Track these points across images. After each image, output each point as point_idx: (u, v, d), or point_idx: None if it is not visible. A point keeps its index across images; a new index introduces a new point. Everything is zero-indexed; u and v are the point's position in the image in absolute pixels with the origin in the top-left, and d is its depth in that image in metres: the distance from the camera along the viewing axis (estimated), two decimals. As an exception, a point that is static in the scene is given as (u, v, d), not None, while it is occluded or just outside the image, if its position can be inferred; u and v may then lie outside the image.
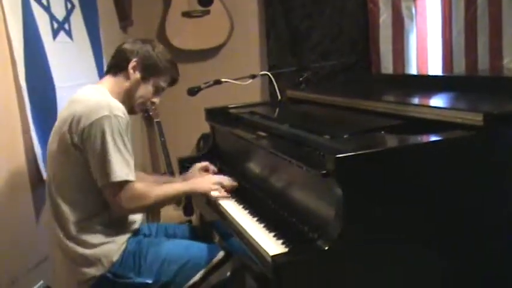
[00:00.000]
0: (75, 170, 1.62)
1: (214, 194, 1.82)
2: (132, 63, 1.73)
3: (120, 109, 1.62)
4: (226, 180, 1.85)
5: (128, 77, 1.74)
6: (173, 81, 1.84)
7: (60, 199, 1.64)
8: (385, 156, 1.31)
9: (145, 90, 1.76)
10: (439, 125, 1.45)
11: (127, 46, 1.77)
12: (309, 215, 1.48)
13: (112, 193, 1.59)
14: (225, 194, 1.82)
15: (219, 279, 1.73)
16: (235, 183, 1.85)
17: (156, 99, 1.82)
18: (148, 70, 1.75)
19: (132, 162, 1.61)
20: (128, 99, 1.73)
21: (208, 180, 1.84)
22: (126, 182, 1.58)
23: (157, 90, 1.80)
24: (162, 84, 1.79)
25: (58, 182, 1.65)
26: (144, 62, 1.74)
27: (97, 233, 1.64)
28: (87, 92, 1.72)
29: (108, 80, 1.77)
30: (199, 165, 2.06)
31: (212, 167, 2.08)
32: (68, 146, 1.60)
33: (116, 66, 1.76)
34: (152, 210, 1.78)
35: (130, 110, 1.77)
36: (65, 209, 1.63)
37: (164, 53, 1.79)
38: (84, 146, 1.59)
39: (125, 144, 1.59)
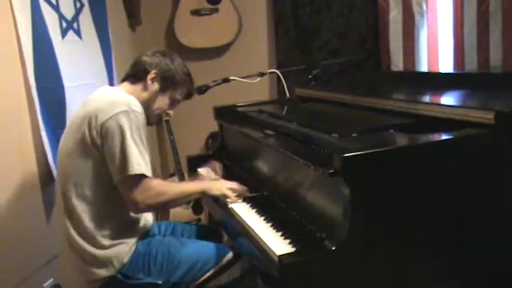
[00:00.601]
0: (93, 168, 1.61)
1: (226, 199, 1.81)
2: (151, 75, 1.74)
3: (137, 105, 1.63)
4: (239, 186, 1.83)
5: (145, 88, 1.75)
6: (188, 95, 1.86)
7: (75, 197, 1.63)
8: (393, 155, 1.29)
9: (162, 102, 1.78)
10: (450, 124, 1.43)
11: (146, 58, 1.78)
12: (317, 215, 1.47)
13: (128, 188, 1.58)
14: (236, 199, 1.79)
15: (229, 279, 1.73)
16: (246, 192, 1.81)
17: (171, 111, 1.84)
18: (166, 82, 1.76)
19: (148, 158, 1.62)
20: (144, 109, 1.72)
21: (222, 185, 1.82)
22: (142, 176, 1.57)
23: (173, 103, 1.82)
24: (178, 96, 1.81)
25: (74, 181, 1.63)
26: (163, 74, 1.75)
27: (110, 233, 1.63)
28: (104, 91, 1.74)
29: (126, 86, 1.77)
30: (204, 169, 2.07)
31: (218, 165, 2.11)
32: (87, 144, 1.60)
33: (134, 76, 1.77)
34: (167, 208, 1.76)
35: (146, 121, 1.76)
36: (80, 207, 1.62)
37: (182, 66, 1.81)
38: (102, 141, 1.58)
39: (142, 140, 1.60)
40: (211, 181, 1.91)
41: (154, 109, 1.78)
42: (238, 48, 3.35)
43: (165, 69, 1.76)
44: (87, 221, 1.62)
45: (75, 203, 1.63)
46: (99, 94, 1.72)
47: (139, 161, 1.56)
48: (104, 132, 1.58)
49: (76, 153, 1.63)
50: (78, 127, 1.63)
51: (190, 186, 1.79)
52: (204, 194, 1.79)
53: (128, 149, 1.55)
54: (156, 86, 1.75)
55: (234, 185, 1.81)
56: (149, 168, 1.60)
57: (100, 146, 1.59)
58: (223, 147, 2.40)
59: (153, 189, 1.60)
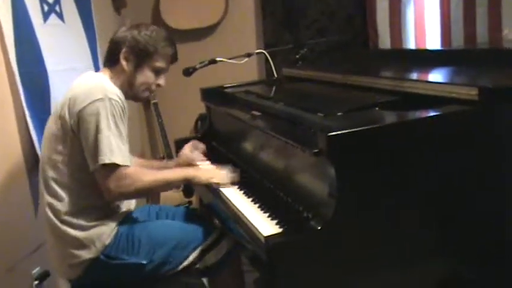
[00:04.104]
0: (72, 153, 1.62)
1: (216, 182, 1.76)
2: (123, 54, 1.71)
3: (115, 93, 1.61)
4: (230, 174, 1.78)
5: (123, 68, 1.72)
6: (172, 59, 1.79)
7: (55, 182, 1.64)
8: (377, 133, 1.29)
9: (144, 77, 1.74)
10: (436, 101, 1.42)
11: (116, 36, 1.75)
12: (304, 195, 1.47)
13: (102, 177, 1.57)
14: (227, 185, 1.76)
15: (215, 260, 1.73)
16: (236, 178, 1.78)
17: (160, 81, 1.78)
18: (140, 56, 1.72)
19: (125, 146, 1.59)
20: (129, 89, 1.72)
21: (210, 175, 1.76)
22: (116, 166, 1.55)
23: (158, 72, 1.76)
24: (159, 65, 1.75)
25: (54, 165, 1.64)
26: (134, 49, 1.71)
27: (91, 215, 1.63)
28: (85, 77, 1.71)
29: (106, 72, 1.75)
30: (187, 146, 2.06)
31: (201, 145, 2.09)
32: (67, 129, 1.60)
33: (110, 59, 1.75)
34: (145, 195, 1.72)
35: (135, 98, 1.77)
36: (60, 191, 1.63)
37: (153, 34, 1.73)
38: (78, 129, 1.59)
39: (117, 128, 1.57)
40: (198, 168, 1.85)
41: (138, 86, 1.74)
42: (225, 29, 3.31)
43: (134, 43, 1.70)
44: (68, 204, 1.62)
45: (56, 187, 1.63)
46: (81, 81, 1.70)
47: (113, 150, 1.54)
48: (79, 120, 1.57)
49: (57, 138, 1.63)
50: (58, 113, 1.63)
51: (171, 174, 1.72)
52: (187, 182, 1.77)
53: (101, 137, 1.54)
54: (131, 64, 1.72)
55: (224, 174, 1.76)
56: (125, 156, 1.58)
57: (77, 133, 1.59)
58: (211, 129, 2.39)
59: (127, 177, 1.57)
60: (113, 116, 1.57)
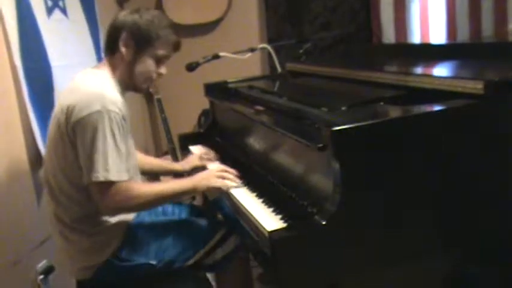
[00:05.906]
0: (71, 162, 1.56)
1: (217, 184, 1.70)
2: (123, 40, 1.60)
3: (115, 102, 1.51)
4: (226, 172, 1.74)
5: (122, 56, 1.62)
6: (175, 47, 1.67)
7: (57, 189, 1.60)
8: (381, 128, 1.28)
9: (145, 65, 1.63)
10: (441, 95, 1.42)
11: (116, 21, 1.64)
12: (308, 190, 1.47)
13: (96, 192, 1.50)
14: (230, 183, 1.70)
15: (222, 256, 1.73)
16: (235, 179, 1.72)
17: (162, 70, 1.68)
18: (141, 42, 1.60)
19: (122, 160, 1.51)
20: (129, 78, 1.64)
21: (208, 180, 1.69)
22: (110, 182, 1.48)
23: (160, 60, 1.65)
24: (161, 52, 1.63)
25: (54, 172, 1.60)
26: (134, 34, 1.60)
27: (98, 221, 1.60)
28: (85, 80, 1.62)
29: (107, 61, 1.67)
30: (197, 154, 2.04)
31: (212, 154, 2.08)
32: (64, 137, 1.54)
33: (110, 46, 1.65)
34: (142, 210, 1.66)
35: (135, 89, 1.68)
36: (62, 198, 1.59)
37: (155, 19, 1.62)
38: (75, 139, 1.52)
39: (115, 142, 1.49)
40: (196, 178, 1.72)
41: (138, 75, 1.64)
42: (228, 24, 3.30)
43: (135, 28, 1.59)
44: (71, 212, 1.59)
45: (58, 194, 1.60)
46: (80, 83, 1.61)
47: (108, 167, 1.47)
48: (76, 131, 1.50)
49: (56, 144, 1.58)
50: (57, 119, 1.56)
51: (168, 189, 1.63)
52: (187, 195, 1.75)
53: (96, 153, 1.47)
54: (131, 50, 1.61)
55: (220, 172, 1.72)
56: (121, 171, 1.50)
57: (74, 142, 1.53)
58: (215, 124, 2.39)
59: (121, 193, 1.50)
60: (111, 129, 1.48)
